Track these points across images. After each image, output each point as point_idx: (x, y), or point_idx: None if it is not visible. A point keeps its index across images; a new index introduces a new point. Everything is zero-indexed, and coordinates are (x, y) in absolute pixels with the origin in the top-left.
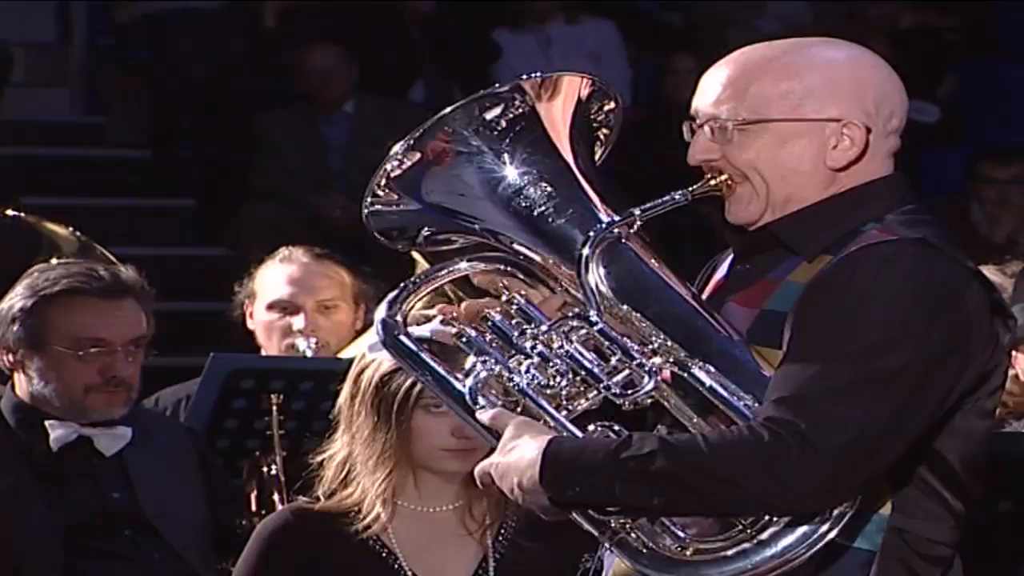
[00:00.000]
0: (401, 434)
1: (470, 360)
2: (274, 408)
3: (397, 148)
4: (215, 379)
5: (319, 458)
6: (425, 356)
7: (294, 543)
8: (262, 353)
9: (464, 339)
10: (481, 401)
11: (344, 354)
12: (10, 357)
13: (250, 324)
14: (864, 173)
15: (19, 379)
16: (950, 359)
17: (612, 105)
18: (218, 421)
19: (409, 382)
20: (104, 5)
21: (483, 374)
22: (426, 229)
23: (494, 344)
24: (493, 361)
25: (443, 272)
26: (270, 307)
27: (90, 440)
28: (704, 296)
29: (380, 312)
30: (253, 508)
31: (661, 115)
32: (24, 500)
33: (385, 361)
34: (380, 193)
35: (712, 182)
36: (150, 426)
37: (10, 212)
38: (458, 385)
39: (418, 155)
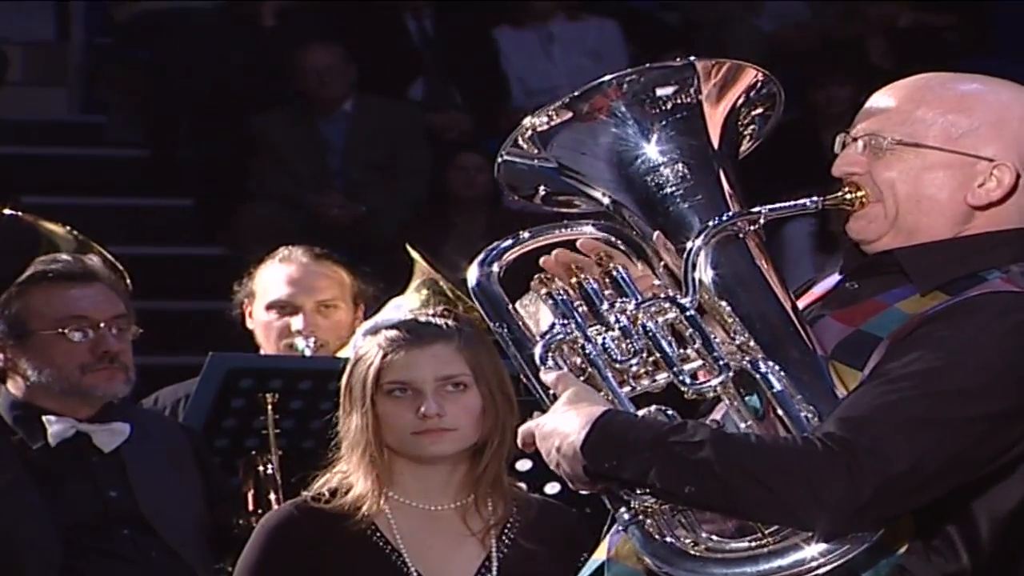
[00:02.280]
0: (371, 420)
1: (549, 320)
2: (269, 407)
3: (552, 105)
4: (214, 378)
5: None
6: (509, 308)
7: (298, 538)
8: (261, 352)
9: (551, 301)
10: (549, 362)
11: (343, 354)
12: (0, 356)
13: (249, 324)
14: (999, 217)
15: (13, 377)
16: (1021, 420)
17: (769, 106)
18: (217, 420)
19: (372, 367)
20: (103, 4)
21: (559, 336)
22: (552, 187)
23: (580, 310)
24: (574, 325)
25: (558, 231)
26: (269, 307)
27: (88, 437)
28: (800, 306)
29: (479, 259)
30: (250, 507)
31: None
32: (22, 498)
33: (360, 349)
34: (522, 144)
35: (848, 196)
36: (148, 425)
37: (8, 211)
38: (531, 344)
39: (569, 114)
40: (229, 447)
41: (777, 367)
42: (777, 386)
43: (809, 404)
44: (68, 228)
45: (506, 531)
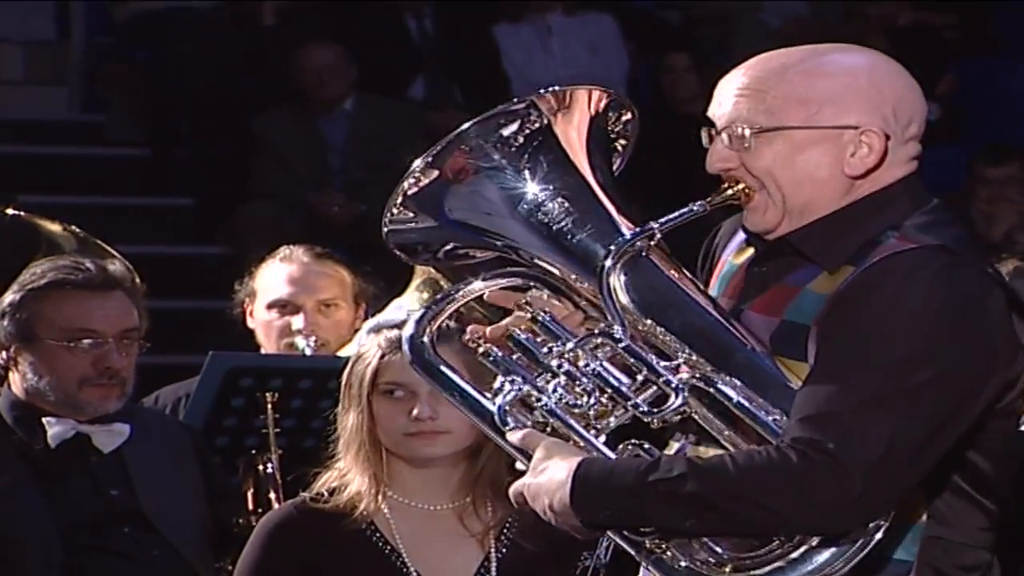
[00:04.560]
0: (366, 419)
1: (498, 380)
2: (269, 406)
3: (415, 165)
4: (214, 377)
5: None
6: (453, 376)
7: (297, 538)
8: (261, 352)
9: (491, 358)
10: (510, 422)
11: (343, 353)
12: (3, 354)
13: (250, 323)
14: (883, 180)
15: (14, 376)
16: (978, 369)
17: (628, 116)
18: (217, 419)
19: (369, 367)
20: (103, 4)
21: (511, 394)
22: (446, 245)
23: (520, 363)
24: (521, 380)
25: (470, 287)
26: (270, 306)
27: (88, 437)
28: (712, 289)
29: (407, 331)
30: (250, 506)
31: (657, 112)
32: (23, 498)
33: (362, 347)
34: (398, 211)
35: (729, 191)
36: (148, 423)
37: (9, 211)
38: (487, 405)
39: (436, 172)
40: (229, 446)
41: (729, 377)
42: (735, 397)
43: (775, 407)
44: (65, 226)
45: (505, 532)
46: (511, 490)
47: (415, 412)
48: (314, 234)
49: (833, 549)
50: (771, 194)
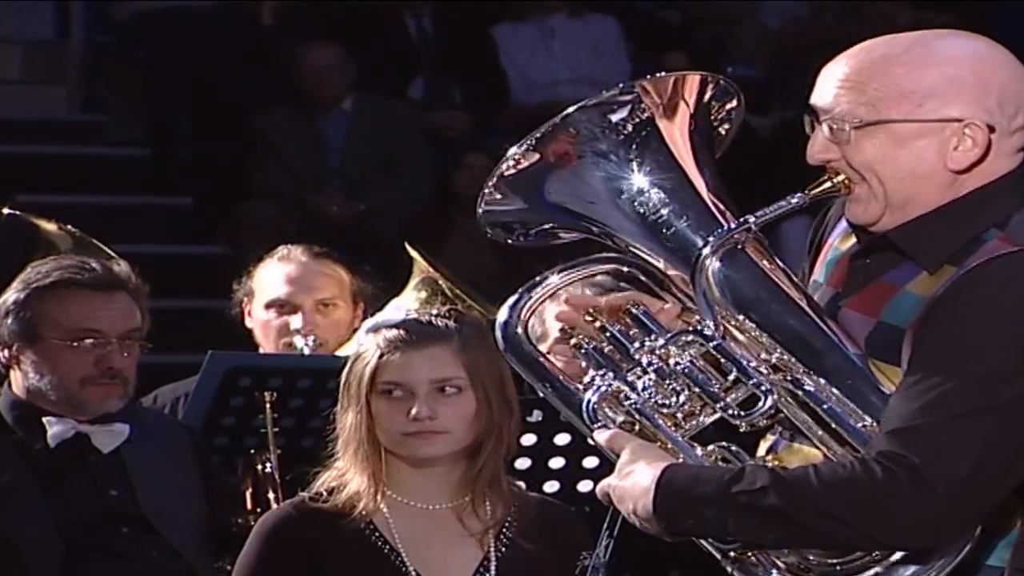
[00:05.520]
0: (365, 418)
1: (589, 373)
2: (268, 406)
3: (514, 148)
4: (213, 377)
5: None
6: (546, 365)
7: (296, 537)
8: (260, 351)
9: (583, 351)
10: (599, 419)
11: (342, 352)
12: (5, 352)
13: (248, 323)
14: (987, 174)
15: (15, 375)
16: None
17: (734, 104)
18: (216, 419)
19: (368, 367)
20: (103, 3)
21: (601, 389)
22: (543, 225)
23: (613, 356)
24: (612, 376)
25: (569, 273)
26: (268, 306)
27: (88, 437)
28: (817, 274)
29: (500, 318)
30: (249, 506)
31: None
32: (22, 497)
33: (362, 346)
34: (494, 192)
35: (829, 183)
36: (148, 423)
37: (8, 210)
38: (578, 399)
39: (536, 156)
40: (228, 446)
41: (822, 380)
42: (825, 402)
43: (864, 412)
44: (61, 225)
45: (504, 531)
46: (598, 489)
47: (413, 412)
48: (314, 234)
49: (921, 560)
50: (872, 188)
